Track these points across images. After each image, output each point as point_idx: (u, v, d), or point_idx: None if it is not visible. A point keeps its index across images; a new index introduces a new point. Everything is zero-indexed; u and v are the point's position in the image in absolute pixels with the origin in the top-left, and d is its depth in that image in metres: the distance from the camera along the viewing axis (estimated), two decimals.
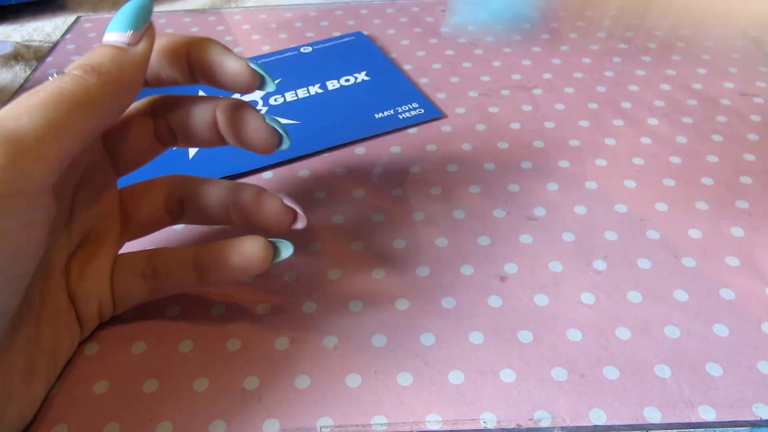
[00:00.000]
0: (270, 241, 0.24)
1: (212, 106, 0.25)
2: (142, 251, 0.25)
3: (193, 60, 0.24)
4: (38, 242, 0.20)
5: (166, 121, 0.25)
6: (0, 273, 0.18)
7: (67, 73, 0.21)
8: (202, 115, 0.25)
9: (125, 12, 0.22)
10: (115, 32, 0.22)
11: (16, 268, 0.19)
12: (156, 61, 0.24)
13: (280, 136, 0.24)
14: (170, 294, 0.25)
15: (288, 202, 0.25)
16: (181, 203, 0.26)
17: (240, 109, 0.24)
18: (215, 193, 0.25)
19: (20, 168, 0.18)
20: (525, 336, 0.25)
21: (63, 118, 0.19)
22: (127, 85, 0.22)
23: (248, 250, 0.23)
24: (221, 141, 0.26)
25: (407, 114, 0.37)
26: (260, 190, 0.25)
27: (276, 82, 0.40)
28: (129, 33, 0.22)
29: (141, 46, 0.22)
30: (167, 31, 0.47)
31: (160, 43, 0.24)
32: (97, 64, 0.21)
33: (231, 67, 0.23)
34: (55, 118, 0.19)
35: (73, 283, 0.24)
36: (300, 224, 0.25)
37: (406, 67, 0.42)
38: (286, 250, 0.24)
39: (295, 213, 0.25)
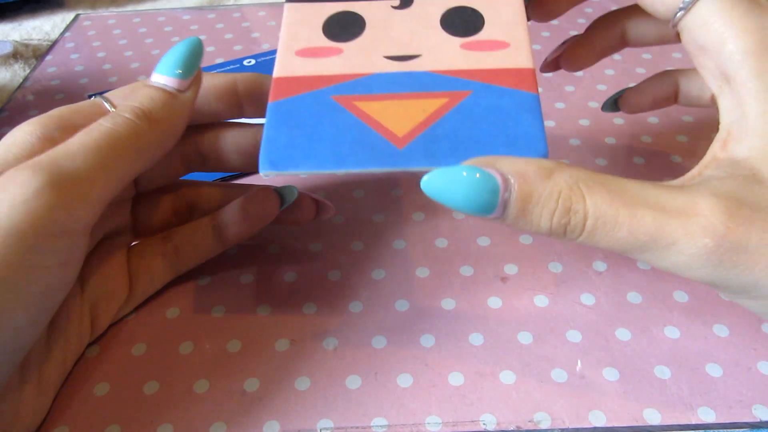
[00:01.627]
0: (276, 190, 0.25)
1: (252, 132, 0.26)
2: (156, 236, 0.26)
3: (243, 92, 0.24)
4: (71, 279, 0.20)
5: (197, 147, 0.26)
6: (35, 306, 0.19)
7: (119, 115, 0.21)
8: (241, 141, 0.26)
9: (177, 56, 0.22)
10: (166, 76, 0.22)
11: (49, 302, 0.20)
12: (202, 97, 0.24)
13: None
14: (190, 268, 0.27)
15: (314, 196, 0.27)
16: (189, 208, 0.27)
17: None
18: (220, 199, 0.26)
19: (70, 210, 0.19)
20: (525, 337, 0.25)
21: (114, 163, 0.20)
22: (173, 132, 0.22)
23: (260, 199, 0.25)
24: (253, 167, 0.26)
25: None
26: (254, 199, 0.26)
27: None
28: (179, 80, 0.22)
29: (189, 93, 0.23)
30: (166, 29, 0.47)
31: (208, 81, 0.24)
32: (149, 110, 0.21)
33: None
34: (106, 162, 0.20)
35: (94, 287, 0.24)
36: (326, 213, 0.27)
37: None
38: (290, 194, 0.25)
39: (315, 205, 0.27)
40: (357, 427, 0.22)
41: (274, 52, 0.43)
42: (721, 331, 0.25)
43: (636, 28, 0.27)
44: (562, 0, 0.26)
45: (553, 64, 0.29)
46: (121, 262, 0.25)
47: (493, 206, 0.18)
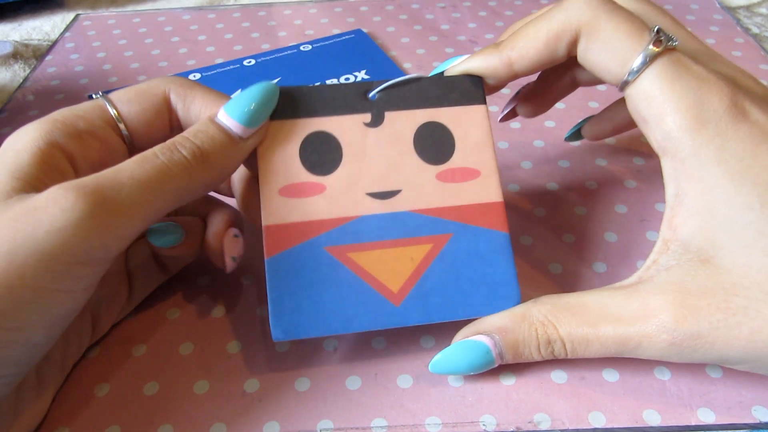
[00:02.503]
0: (158, 228, 0.24)
1: None
2: (144, 238, 0.27)
3: (174, 98, 0.24)
4: (88, 297, 0.20)
5: None
6: (54, 326, 0.19)
7: (177, 150, 0.20)
8: None
9: (251, 100, 0.22)
10: (235, 121, 0.21)
11: (67, 321, 0.20)
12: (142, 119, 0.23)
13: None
14: (178, 269, 0.27)
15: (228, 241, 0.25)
16: (176, 210, 0.27)
17: None
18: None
19: (104, 241, 0.19)
20: None
21: (158, 200, 0.20)
22: (223, 177, 0.22)
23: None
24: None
25: None
26: (222, 219, 0.25)
27: (276, 80, 0.40)
28: (245, 128, 0.22)
29: (250, 141, 0.22)
30: (166, 29, 0.47)
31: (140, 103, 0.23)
32: (207, 153, 0.21)
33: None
34: (151, 199, 0.20)
35: (96, 291, 0.24)
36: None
37: (406, 65, 0.41)
38: (164, 238, 0.24)
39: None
40: (357, 428, 0.22)
41: (274, 52, 0.43)
42: None
43: (585, 72, 0.27)
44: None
45: (510, 114, 0.30)
46: (119, 263, 0.25)
47: (491, 362, 0.22)
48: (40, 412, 0.22)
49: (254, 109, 0.22)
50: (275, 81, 0.23)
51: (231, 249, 0.24)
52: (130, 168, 0.20)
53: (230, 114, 0.22)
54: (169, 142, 0.21)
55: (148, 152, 0.20)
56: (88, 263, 0.19)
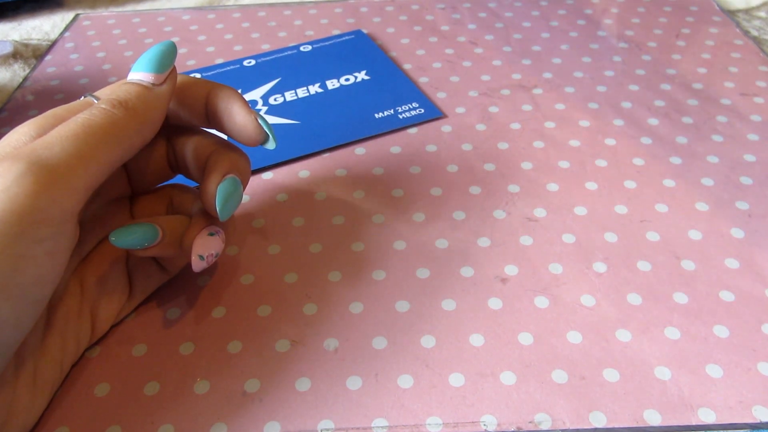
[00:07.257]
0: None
1: (209, 149, 0.25)
2: None
3: (209, 105, 0.24)
4: (60, 268, 0.20)
5: (173, 148, 0.26)
6: (23, 298, 0.19)
7: (95, 107, 0.21)
8: (198, 153, 0.25)
9: (151, 55, 0.23)
10: (141, 72, 0.23)
11: (37, 293, 0.20)
12: (176, 101, 0.25)
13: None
14: (178, 270, 0.27)
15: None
16: (176, 210, 0.27)
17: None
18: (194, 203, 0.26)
19: (51, 196, 0.19)
20: (525, 338, 0.25)
21: (92, 149, 0.20)
22: (149, 121, 0.23)
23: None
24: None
25: (407, 114, 0.37)
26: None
27: (275, 82, 0.40)
28: (154, 74, 0.23)
29: (164, 87, 0.23)
30: (166, 29, 0.47)
31: (182, 83, 0.24)
32: (124, 100, 0.22)
33: (238, 120, 0.24)
34: (84, 149, 0.20)
35: (94, 287, 0.24)
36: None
37: (406, 66, 0.41)
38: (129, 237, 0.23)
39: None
40: (358, 428, 0.22)
41: (273, 52, 0.43)
42: (721, 332, 0.25)
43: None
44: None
45: None
46: (120, 262, 0.25)
47: None
48: (36, 411, 0.22)
49: (155, 58, 0.23)
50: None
51: (199, 247, 0.24)
52: (56, 130, 0.20)
53: (137, 70, 0.23)
54: (91, 105, 0.22)
55: (72, 117, 0.21)
56: (43, 222, 0.19)
